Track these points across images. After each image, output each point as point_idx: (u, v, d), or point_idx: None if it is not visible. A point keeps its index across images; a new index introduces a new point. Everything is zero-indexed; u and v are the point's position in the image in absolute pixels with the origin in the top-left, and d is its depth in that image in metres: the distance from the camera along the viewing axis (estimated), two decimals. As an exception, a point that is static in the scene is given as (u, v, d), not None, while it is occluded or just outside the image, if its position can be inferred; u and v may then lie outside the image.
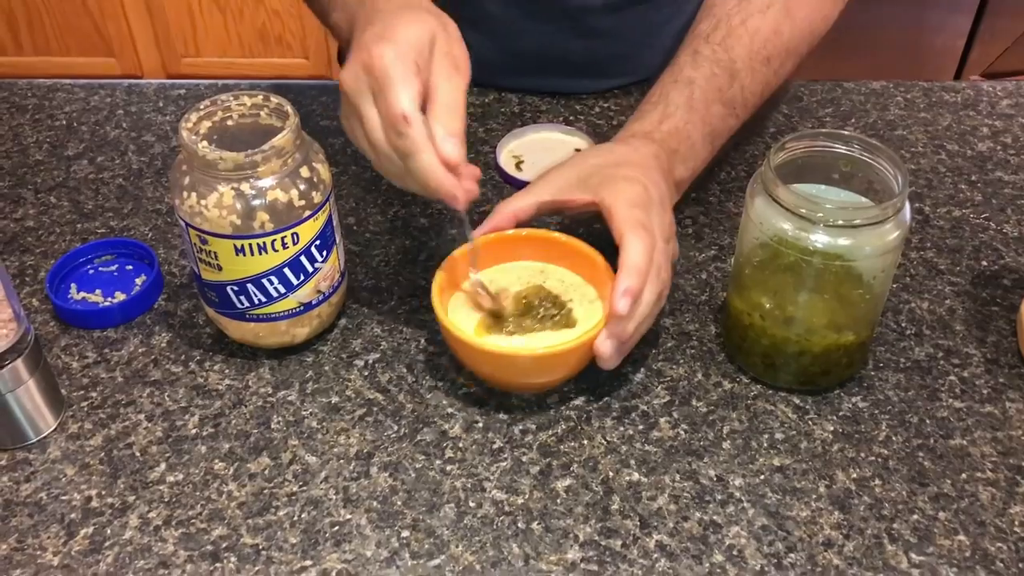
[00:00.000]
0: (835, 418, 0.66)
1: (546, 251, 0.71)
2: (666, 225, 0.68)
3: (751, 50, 0.79)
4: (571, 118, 0.94)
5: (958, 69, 2.10)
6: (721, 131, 0.79)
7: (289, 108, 0.65)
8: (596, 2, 0.91)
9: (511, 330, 0.66)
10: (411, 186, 0.64)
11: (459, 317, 0.67)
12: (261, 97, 0.66)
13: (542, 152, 0.89)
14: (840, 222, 0.61)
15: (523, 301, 0.68)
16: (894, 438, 0.65)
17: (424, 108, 0.61)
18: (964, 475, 0.62)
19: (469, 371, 0.69)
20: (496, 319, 0.67)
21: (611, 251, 0.65)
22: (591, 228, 0.74)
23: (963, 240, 0.81)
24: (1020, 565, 0.57)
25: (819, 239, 0.61)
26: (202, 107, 0.65)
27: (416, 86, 0.61)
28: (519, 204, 0.70)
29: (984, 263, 0.78)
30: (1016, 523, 0.60)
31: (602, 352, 0.63)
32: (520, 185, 0.85)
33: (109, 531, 0.60)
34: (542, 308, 0.68)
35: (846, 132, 0.66)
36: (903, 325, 0.73)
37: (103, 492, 0.62)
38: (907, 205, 0.62)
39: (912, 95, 0.98)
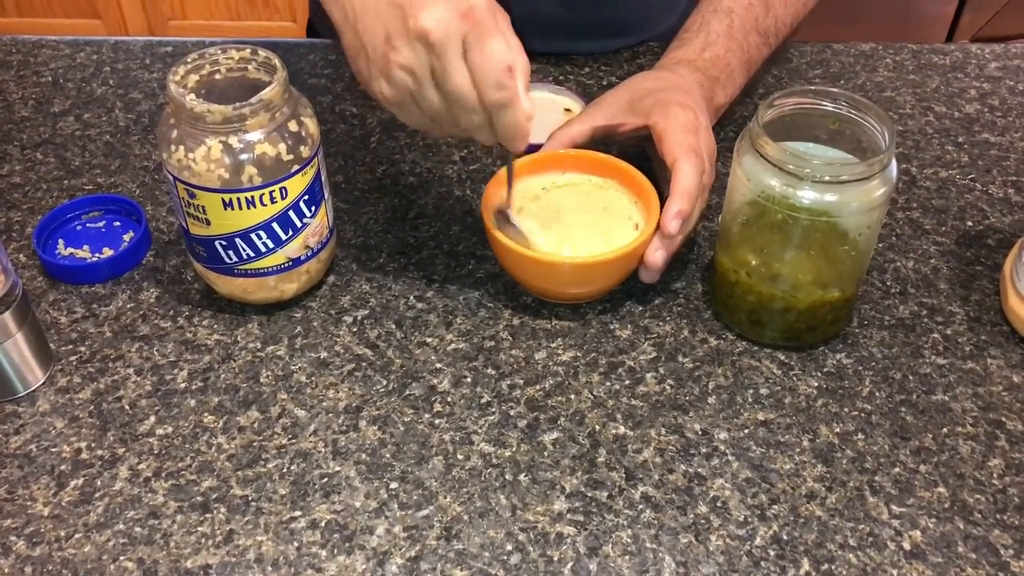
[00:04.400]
0: (819, 374, 0.67)
1: (591, 166, 0.74)
2: (711, 149, 0.72)
3: None
4: (561, 77, 0.94)
5: (948, 36, 2.10)
6: (756, 59, 0.83)
7: (277, 62, 0.64)
8: None
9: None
10: (476, 138, 0.63)
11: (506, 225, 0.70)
12: (249, 51, 0.66)
13: (531, 111, 0.88)
14: (827, 178, 0.61)
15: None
16: (877, 394, 0.66)
17: None
18: (945, 429, 0.63)
19: (517, 281, 0.72)
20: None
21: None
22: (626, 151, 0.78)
23: (949, 200, 0.81)
24: (997, 516, 0.58)
25: (806, 195, 0.61)
26: (189, 60, 0.65)
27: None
28: (575, 129, 0.74)
29: (969, 223, 0.79)
30: (994, 475, 0.61)
31: (654, 261, 0.67)
32: (509, 144, 0.85)
33: (99, 482, 0.60)
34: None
35: (834, 89, 0.66)
36: (888, 284, 0.74)
37: (92, 444, 0.62)
38: (894, 162, 0.62)
39: (901, 57, 0.98)
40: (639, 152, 0.78)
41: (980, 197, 0.82)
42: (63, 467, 0.61)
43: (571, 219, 0.71)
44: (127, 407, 0.64)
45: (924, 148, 0.87)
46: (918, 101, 0.92)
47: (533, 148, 0.80)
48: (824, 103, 0.66)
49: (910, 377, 0.67)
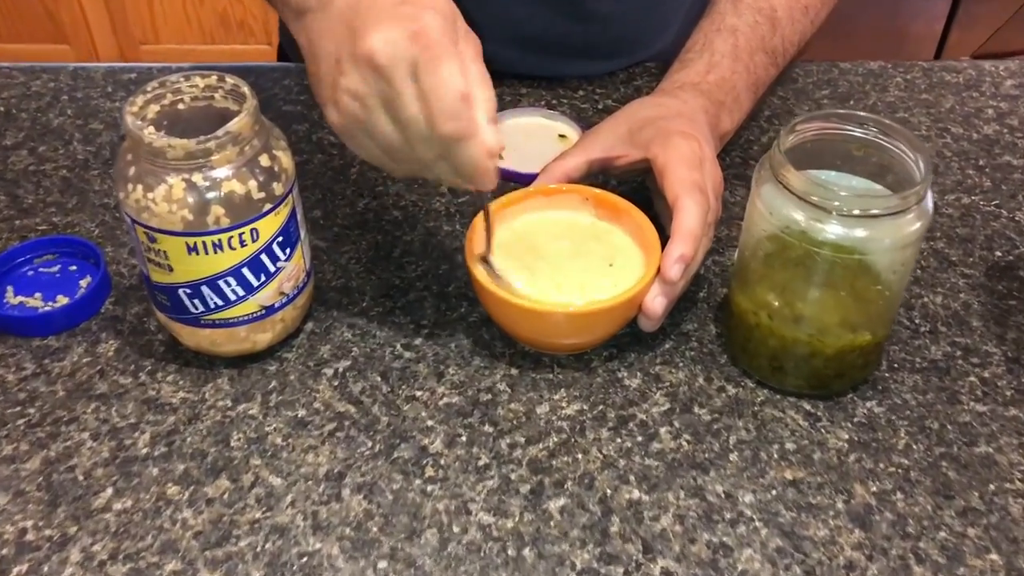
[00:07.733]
0: (850, 425, 0.61)
1: (585, 203, 0.68)
2: (717, 182, 0.66)
3: None
4: (553, 101, 0.88)
5: (936, 54, 2.09)
6: (764, 81, 0.77)
7: (246, 89, 0.58)
8: None
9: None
10: (436, 175, 0.57)
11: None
12: (215, 78, 0.60)
13: (523, 138, 0.82)
14: (856, 212, 0.55)
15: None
16: (914, 446, 0.60)
17: None
18: (992, 486, 0.58)
19: (505, 332, 0.66)
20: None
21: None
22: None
23: (974, 229, 0.76)
24: (1060, 587, 0.53)
25: (833, 230, 0.56)
26: (149, 89, 0.59)
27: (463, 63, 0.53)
28: (570, 163, 0.68)
29: (998, 253, 0.74)
30: (1053, 540, 0.55)
31: (654, 309, 0.61)
32: (502, 174, 0.79)
33: (46, 568, 0.53)
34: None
35: (861, 113, 0.60)
36: (917, 322, 0.68)
37: (40, 523, 0.55)
38: (930, 194, 0.57)
39: (912, 76, 0.93)
40: (639, 185, 0.72)
41: (1007, 225, 0.76)
42: (5, 551, 0.54)
43: (564, 263, 0.65)
44: (81, 478, 0.58)
45: (943, 172, 0.81)
46: (933, 122, 0.87)
47: (527, 179, 0.74)
48: (850, 128, 0.60)
49: (948, 427, 0.61)
